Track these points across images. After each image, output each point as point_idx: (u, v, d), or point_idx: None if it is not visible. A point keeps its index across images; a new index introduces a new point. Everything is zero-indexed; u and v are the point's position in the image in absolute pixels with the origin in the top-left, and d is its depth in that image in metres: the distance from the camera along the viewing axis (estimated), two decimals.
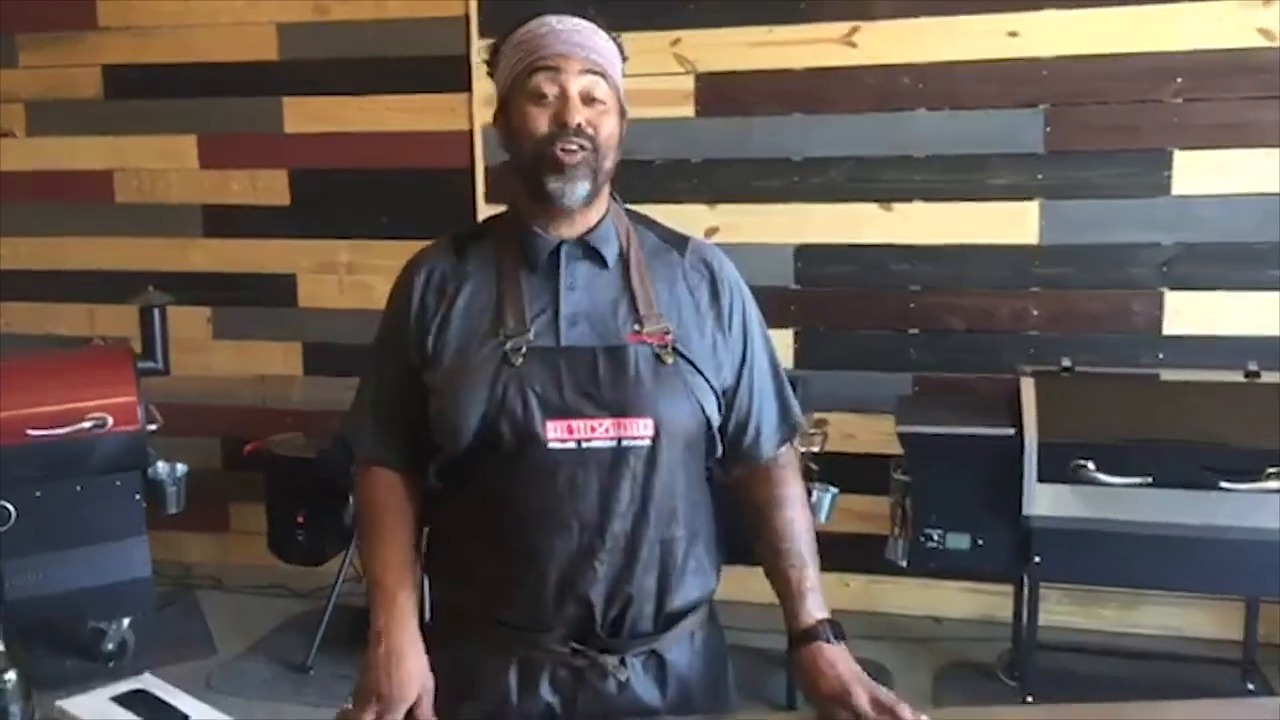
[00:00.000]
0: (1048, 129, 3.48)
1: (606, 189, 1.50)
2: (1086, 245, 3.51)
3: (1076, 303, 3.55)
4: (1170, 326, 3.48)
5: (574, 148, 1.40)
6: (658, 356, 1.43)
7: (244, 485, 4.08)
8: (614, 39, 1.49)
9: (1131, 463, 2.82)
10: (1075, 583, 3.41)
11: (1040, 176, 3.51)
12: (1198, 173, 3.40)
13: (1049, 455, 2.88)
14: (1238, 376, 2.99)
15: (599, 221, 1.49)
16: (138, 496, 3.41)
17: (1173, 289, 3.47)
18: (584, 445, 1.39)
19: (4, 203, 4.34)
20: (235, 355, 4.25)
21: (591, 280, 1.47)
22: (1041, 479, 2.89)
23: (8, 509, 3.20)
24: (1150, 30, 3.36)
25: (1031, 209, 3.53)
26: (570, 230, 1.47)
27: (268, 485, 3.57)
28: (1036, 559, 2.94)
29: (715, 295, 1.52)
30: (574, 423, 1.39)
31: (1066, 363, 3.12)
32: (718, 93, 3.70)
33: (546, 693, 1.46)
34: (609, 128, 1.45)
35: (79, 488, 3.31)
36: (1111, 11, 3.38)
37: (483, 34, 3.81)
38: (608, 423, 1.40)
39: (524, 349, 1.41)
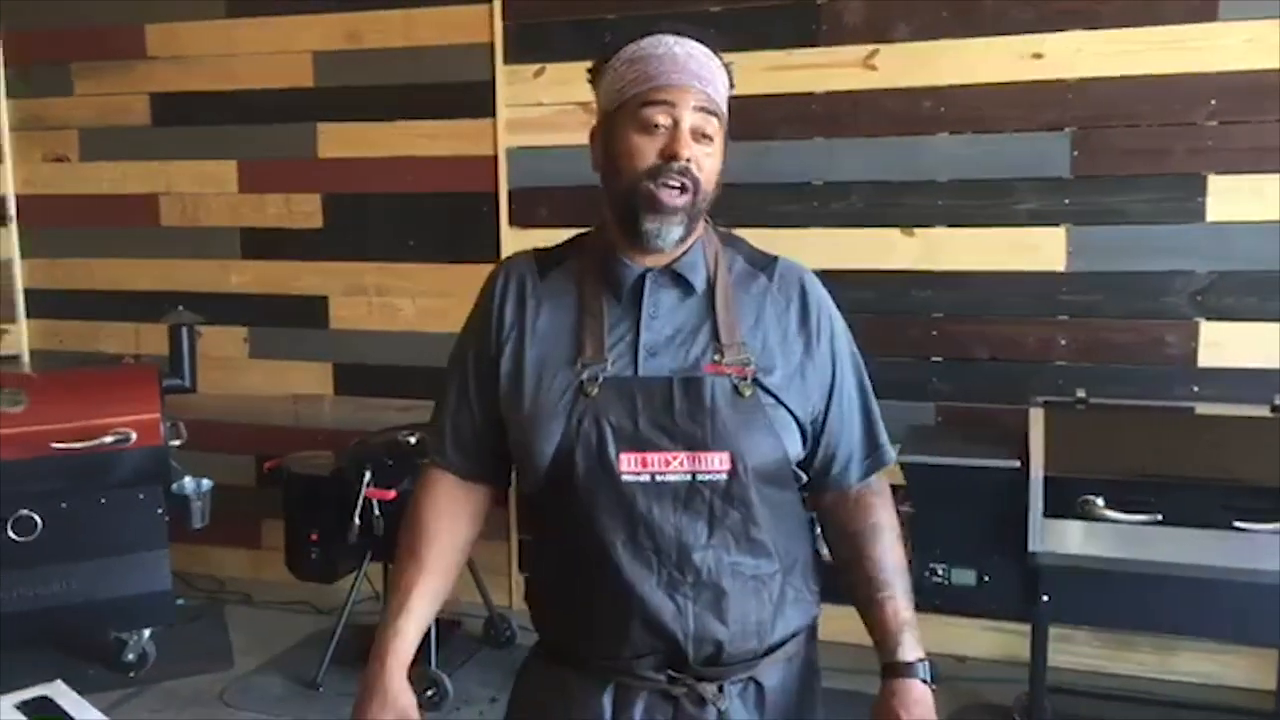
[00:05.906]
0: (1075, 153, 3.37)
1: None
2: (1116, 273, 3.38)
3: (1106, 333, 3.41)
4: (1205, 358, 3.33)
5: (676, 185, 1.38)
6: (736, 389, 1.40)
7: (275, 502, 4.11)
8: (725, 66, 1.46)
9: (1142, 499, 2.69)
10: (1086, 625, 3.27)
11: (1067, 201, 3.39)
12: (1233, 198, 3.25)
13: (1056, 490, 2.76)
14: (1264, 411, 2.84)
15: (688, 249, 1.46)
16: (160, 511, 3.49)
17: (1208, 319, 3.32)
18: (657, 478, 1.37)
19: (60, 226, 4.53)
20: (270, 374, 4.35)
21: (674, 308, 1.45)
22: (1049, 514, 2.77)
23: (35, 519, 3.32)
24: (1181, 51, 3.24)
25: (1058, 235, 3.42)
26: (657, 260, 1.45)
27: (285, 502, 3.62)
28: (1044, 598, 2.82)
29: (804, 318, 1.49)
30: (648, 455, 1.37)
31: (1081, 394, 3.00)
32: (736, 116, 3.57)
33: None
34: (712, 168, 1.42)
35: (103, 500, 3.41)
36: (1140, 32, 3.26)
37: (507, 61, 3.86)
38: (682, 456, 1.38)
39: (600, 379, 1.40)
